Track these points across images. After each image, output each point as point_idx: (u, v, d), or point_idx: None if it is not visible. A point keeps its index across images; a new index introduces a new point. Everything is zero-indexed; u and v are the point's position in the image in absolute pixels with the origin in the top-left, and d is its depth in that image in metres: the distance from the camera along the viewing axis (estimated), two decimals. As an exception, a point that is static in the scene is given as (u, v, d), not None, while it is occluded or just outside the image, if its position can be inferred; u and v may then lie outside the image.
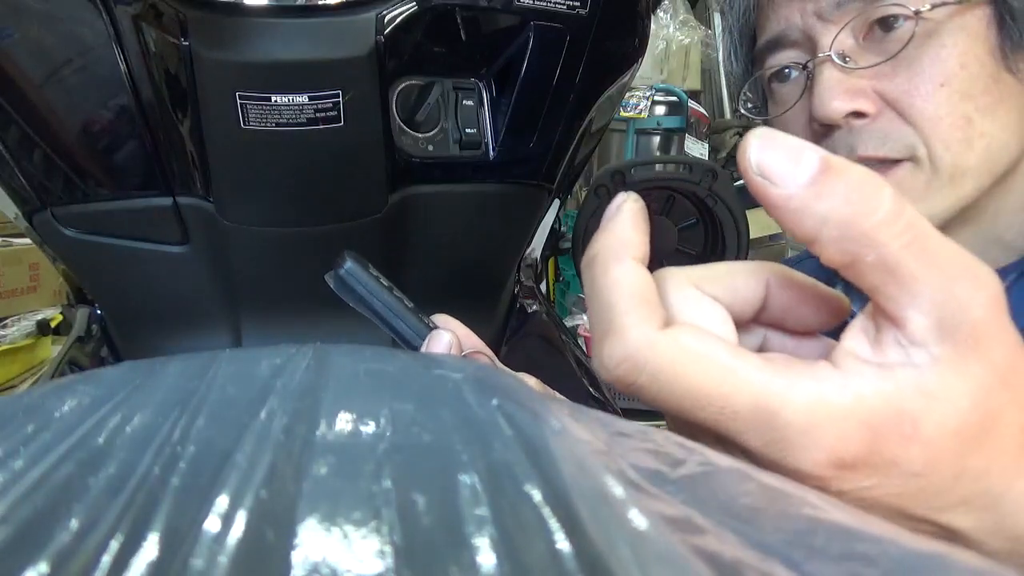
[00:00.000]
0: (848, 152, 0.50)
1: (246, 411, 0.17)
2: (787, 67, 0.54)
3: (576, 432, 0.18)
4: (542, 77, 0.46)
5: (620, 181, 0.33)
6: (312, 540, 0.12)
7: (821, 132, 0.51)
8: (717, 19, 1.96)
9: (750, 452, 0.22)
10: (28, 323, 1.74)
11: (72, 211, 0.45)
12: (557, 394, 0.32)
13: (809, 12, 0.51)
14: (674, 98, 2.14)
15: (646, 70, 2.28)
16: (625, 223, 0.25)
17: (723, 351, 0.22)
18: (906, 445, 0.20)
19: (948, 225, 0.51)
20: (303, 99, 0.39)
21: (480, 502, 0.14)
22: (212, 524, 0.12)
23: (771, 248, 2.09)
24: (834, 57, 0.49)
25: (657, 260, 0.26)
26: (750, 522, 0.15)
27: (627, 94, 1.85)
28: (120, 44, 0.39)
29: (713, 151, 2.25)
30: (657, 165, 0.33)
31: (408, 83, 0.43)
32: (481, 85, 0.46)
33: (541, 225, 0.57)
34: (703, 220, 0.36)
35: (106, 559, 0.12)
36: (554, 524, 0.13)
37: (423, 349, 0.31)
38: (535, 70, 0.45)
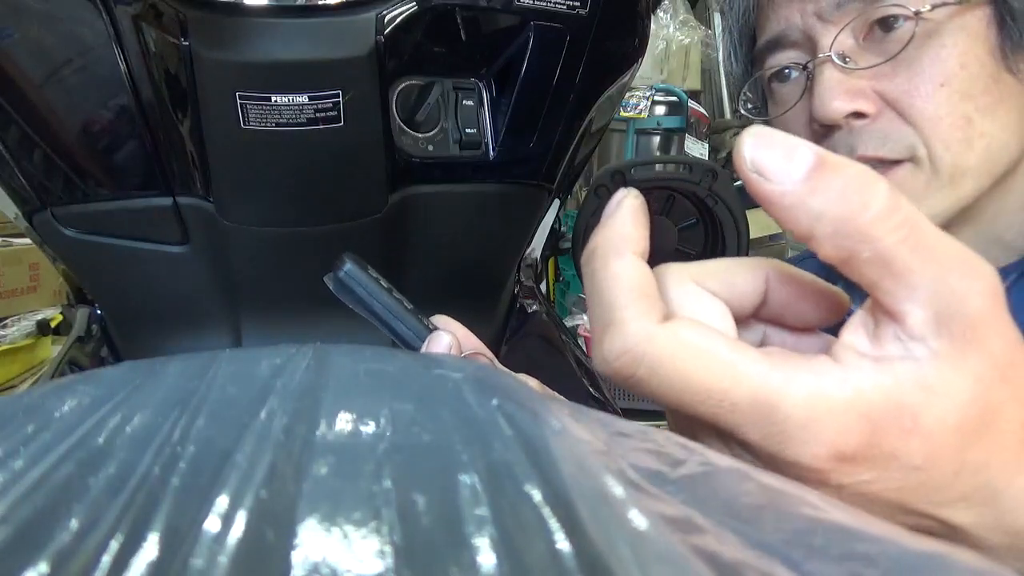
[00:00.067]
0: (848, 152, 0.50)
1: (246, 411, 0.17)
2: (787, 67, 0.54)
3: (576, 432, 0.18)
4: (542, 77, 0.46)
5: (620, 181, 0.33)
6: (312, 540, 0.12)
7: (821, 132, 0.51)
8: (717, 19, 1.96)
9: (749, 445, 0.22)
10: (28, 323, 1.74)
11: (72, 211, 0.45)
12: (557, 395, 0.32)
13: (809, 12, 0.51)
14: (674, 98, 2.14)
15: (646, 70, 2.28)
16: (625, 218, 0.25)
17: (722, 345, 0.22)
18: (906, 439, 0.20)
19: (948, 225, 0.51)
20: (303, 99, 0.39)
21: (480, 502, 0.14)
22: (212, 524, 0.12)
23: (771, 248, 2.09)
24: (834, 58, 0.49)
25: (657, 260, 0.26)
26: (750, 522, 0.15)
27: (627, 94, 1.85)
28: (120, 44, 0.39)
29: (713, 151, 2.25)
30: (657, 165, 0.33)
31: (408, 83, 0.43)
32: (481, 85, 0.46)
33: (541, 225, 0.57)
34: (703, 220, 0.36)
35: (106, 559, 0.12)
36: (554, 524, 0.13)
37: (423, 350, 0.31)
38: (535, 70, 0.45)
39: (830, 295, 0.26)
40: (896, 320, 0.21)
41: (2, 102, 0.40)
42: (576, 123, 0.49)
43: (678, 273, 0.25)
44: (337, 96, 0.40)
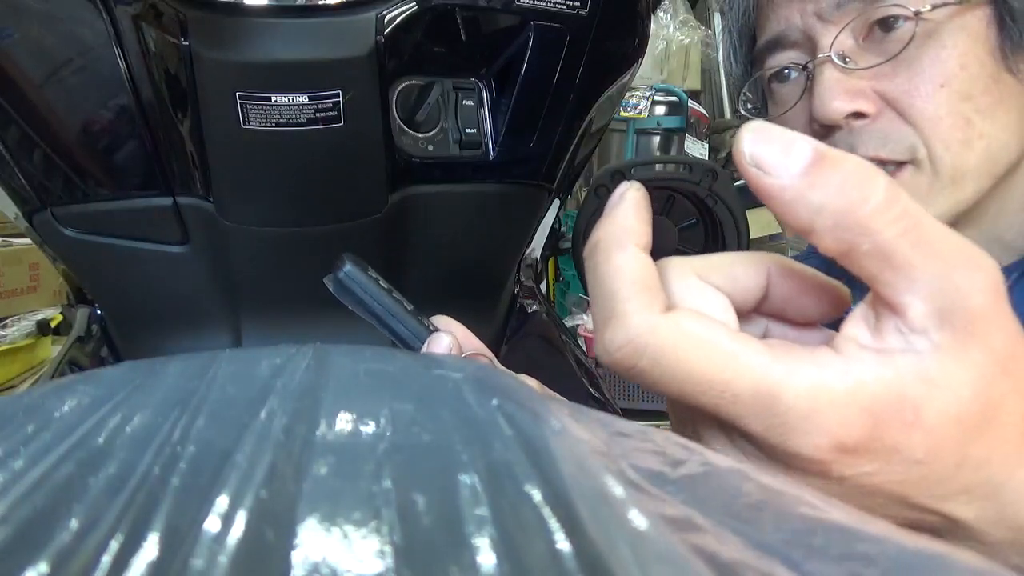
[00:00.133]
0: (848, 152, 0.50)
1: (246, 411, 0.17)
2: (787, 68, 0.54)
3: (576, 432, 0.18)
4: (542, 77, 0.46)
5: (620, 181, 0.33)
6: (312, 540, 0.12)
7: (821, 133, 0.51)
8: (717, 19, 1.96)
9: (751, 437, 0.22)
10: (28, 323, 1.74)
11: (72, 211, 0.45)
12: (557, 395, 0.32)
13: (809, 13, 0.51)
14: (674, 98, 2.14)
15: (646, 70, 2.28)
16: (628, 211, 0.25)
17: (724, 336, 0.22)
18: (908, 432, 0.20)
19: (950, 226, 0.51)
20: (303, 99, 0.39)
21: (480, 502, 0.14)
22: (212, 524, 0.12)
23: (771, 248, 2.09)
24: (834, 58, 0.49)
25: (657, 260, 0.26)
26: (750, 522, 0.15)
27: (627, 94, 1.85)
28: (120, 44, 0.39)
29: (713, 151, 2.25)
30: (657, 165, 0.33)
31: (408, 83, 0.43)
32: (481, 85, 0.46)
33: (541, 225, 0.57)
34: (703, 220, 0.36)
35: (106, 559, 0.12)
36: (554, 524, 0.13)
37: (423, 351, 0.31)
38: (535, 70, 0.45)
39: (831, 289, 0.26)
40: (897, 313, 0.21)
41: (2, 102, 0.40)
42: (576, 123, 0.49)
43: (680, 266, 0.25)
44: (337, 96, 0.40)
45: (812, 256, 0.63)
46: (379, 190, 0.45)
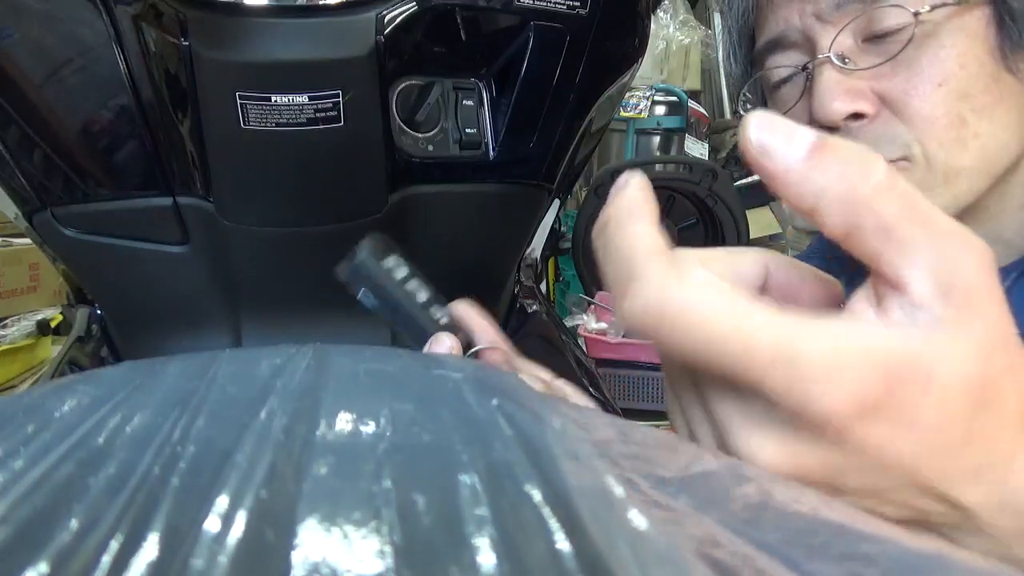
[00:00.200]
0: None
1: (246, 411, 0.17)
2: (786, 68, 0.54)
3: (576, 432, 0.18)
4: (542, 77, 0.46)
5: None
6: (312, 540, 0.12)
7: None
8: (717, 19, 1.96)
9: (773, 395, 0.22)
10: (28, 323, 1.74)
11: (72, 211, 0.45)
12: (568, 383, 0.32)
13: (808, 13, 0.51)
14: (674, 98, 2.14)
15: (646, 70, 2.29)
16: (635, 191, 0.25)
17: (743, 296, 0.22)
18: (921, 396, 0.21)
19: None
20: (303, 99, 0.39)
21: (480, 502, 0.14)
22: (212, 524, 0.12)
23: (771, 247, 2.09)
24: (833, 58, 0.49)
25: None
26: (750, 522, 0.15)
27: (627, 94, 1.86)
28: (120, 44, 0.39)
29: (713, 151, 2.25)
30: (657, 165, 0.34)
31: (408, 83, 0.43)
32: (481, 85, 0.46)
33: (541, 225, 0.57)
34: (703, 220, 0.36)
35: (106, 559, 0.12)
36: (554, 524, 0.13)
37: (424, 351, 0.31)
38: (535, 70, 0.45)
39: (827, 283, 0.27)
40: (899, 290, 0.21)
41: (2, 102, 0.40)
42: (576, 123, 0.49)
43: (684, 256, 0.26)
44: (337, 96, 0.40)
45: (813, 256, 0.63)
46: (379, 190, 0.45)
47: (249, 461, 0.15)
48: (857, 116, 0.50)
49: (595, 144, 0.56)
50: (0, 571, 0.11)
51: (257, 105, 0.39)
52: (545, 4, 0.43)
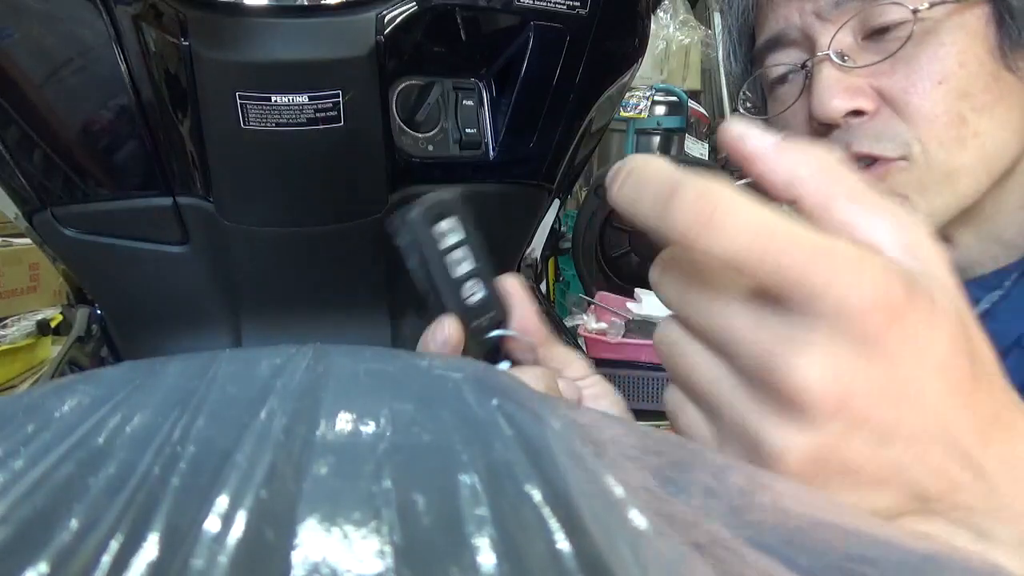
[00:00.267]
0: (843, 149, 0.50)
1: (246, 411, 0.17)
2: (786, 66, 0.54)
3: (576, 432, 0.18)
4: (542, 77, 0.46)
5: None
6: (312, 540, 0.12)
7: (821, 131, 0.51)
8: (717, 19, 1.96)
9: (815, 289, 0.22)
10: (28, 323, 1.74)
11: (72, 211, 0.45)
12: (593, 371, 0.33)
13: (808, 11, 0.51)
14: (674, 98, 2.14)
15: (646, 70, 2.28)
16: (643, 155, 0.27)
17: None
18: (930, 315, 0.22)
19: (948, 224, 0.51)
20: (303, 99, 0.39)
21: (480, 502, 0.14)
22: (212, 524, 0.12)
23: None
24: (832, 56, 0.49)
25: (655, 261, 0.26)
26: (750, 522, 0.15)
27: (627, 94, 1.85)
28: (120, 44, 0.39)
29: (713, 151, 2.25)
30: None
31: (408, 83, 0.43)
32: (481, 85, 0.46)
33: (541, 225, 0.57)
34: None
35: (106, 559, 0.12)
36: (554, 524, 0.13)
37: (419, 348, 0.31)
38: (535, 70, 0.45)
39: None
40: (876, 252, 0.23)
41: (2, 102, 0.40)
42: (576, 123, 0.49)
43: None
44: (337, 96, 0.40)
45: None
46: (379, 190, 0.45)
47: (249, 461, 0.15)
48: (856, 113, 0.50)
49: (595, 144, 0.56)
50: (0, 571, 0.11)
51: (257, 105, 0.39)
52: (545, 4, 0.43)
